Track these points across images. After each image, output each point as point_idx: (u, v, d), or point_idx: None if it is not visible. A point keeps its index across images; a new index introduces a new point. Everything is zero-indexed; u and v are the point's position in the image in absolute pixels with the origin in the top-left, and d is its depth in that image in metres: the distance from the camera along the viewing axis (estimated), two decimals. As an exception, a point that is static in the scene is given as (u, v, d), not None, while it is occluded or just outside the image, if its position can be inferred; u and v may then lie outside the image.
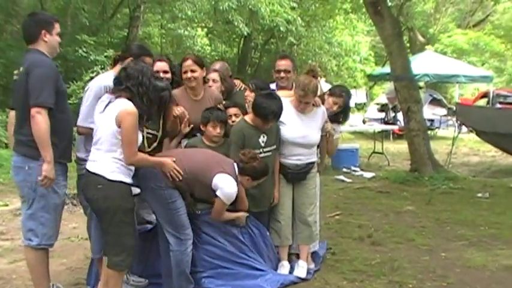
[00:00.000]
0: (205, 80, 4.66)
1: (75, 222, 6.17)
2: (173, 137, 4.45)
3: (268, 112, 4.26)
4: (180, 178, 3.84)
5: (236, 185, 4.01)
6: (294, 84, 4.99)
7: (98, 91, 3.90)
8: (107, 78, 3.98)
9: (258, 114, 4.30)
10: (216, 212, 4.10)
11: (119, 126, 3.49)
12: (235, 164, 4.12)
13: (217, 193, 3.96)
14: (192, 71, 4.42)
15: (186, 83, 4.49)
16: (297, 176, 4.64)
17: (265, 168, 4.20)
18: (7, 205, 7.21)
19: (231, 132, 4.44)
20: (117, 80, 3.64)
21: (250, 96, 4.81)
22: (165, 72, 4.53)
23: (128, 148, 3.52)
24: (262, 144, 4.39)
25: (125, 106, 3.52)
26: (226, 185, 3.95)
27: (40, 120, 3.55)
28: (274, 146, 4.48)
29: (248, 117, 4.44)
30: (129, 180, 3.64)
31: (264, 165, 4.19)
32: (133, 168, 3.69)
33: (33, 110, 3.55)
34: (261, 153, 4.36)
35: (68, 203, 6.74)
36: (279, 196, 4.61)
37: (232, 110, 4.65)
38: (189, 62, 4.44)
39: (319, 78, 4.61)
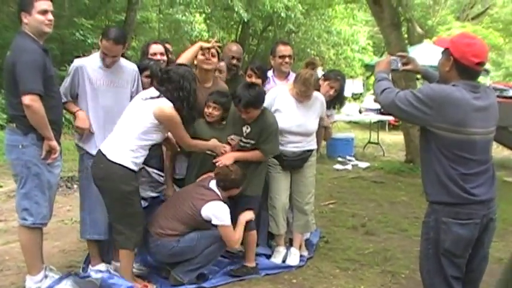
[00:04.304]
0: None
1: (69, 205, 6.16)
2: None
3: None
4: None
5: (223, 203, 4.03)
6: (290, 73, 5.02)
7: (73, 71, 3.99)
8: (85, 60, 4.06)
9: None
10: (228, 238, 4.06)
11: (158, 121, 3.66)
12: (212, 182, 4.10)
13: (213, 222, 3.97)
14: (213, 55, 4.31)
15: (201, 65, 4.31)
16: (292, 163, 4.62)
17: (241, 172, 4.16)
18: (1, 186, 7.18)
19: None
20: (160, 81, 3.78)
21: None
22: (162, 54, 4.54)
23: (183, 143, 3.96)
24: (244, 134, 4.29)
25: (164, 105, 3.68)
26: (214, 211, 3.97)
27: (36, 108, 3.53)
28: (253, 142, 4.32)
29: None
30: (133, 167, 3.69)
31: (238, 171, 4.14)
32: (141, 159, 3.77)
33: (27, 98, 3.49)
34: (241, 140, 4.30)
35: (62, 185, 6.74)
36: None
37: None
38: (214, 44, 4.30)
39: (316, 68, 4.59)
